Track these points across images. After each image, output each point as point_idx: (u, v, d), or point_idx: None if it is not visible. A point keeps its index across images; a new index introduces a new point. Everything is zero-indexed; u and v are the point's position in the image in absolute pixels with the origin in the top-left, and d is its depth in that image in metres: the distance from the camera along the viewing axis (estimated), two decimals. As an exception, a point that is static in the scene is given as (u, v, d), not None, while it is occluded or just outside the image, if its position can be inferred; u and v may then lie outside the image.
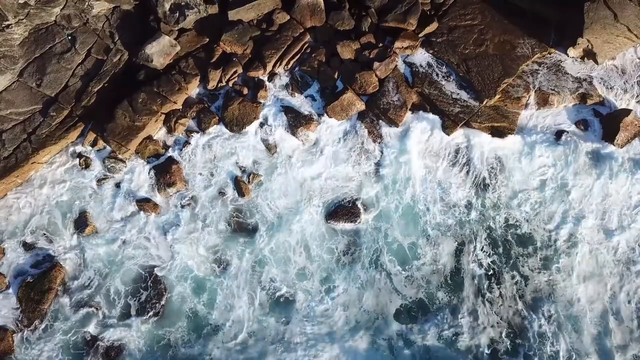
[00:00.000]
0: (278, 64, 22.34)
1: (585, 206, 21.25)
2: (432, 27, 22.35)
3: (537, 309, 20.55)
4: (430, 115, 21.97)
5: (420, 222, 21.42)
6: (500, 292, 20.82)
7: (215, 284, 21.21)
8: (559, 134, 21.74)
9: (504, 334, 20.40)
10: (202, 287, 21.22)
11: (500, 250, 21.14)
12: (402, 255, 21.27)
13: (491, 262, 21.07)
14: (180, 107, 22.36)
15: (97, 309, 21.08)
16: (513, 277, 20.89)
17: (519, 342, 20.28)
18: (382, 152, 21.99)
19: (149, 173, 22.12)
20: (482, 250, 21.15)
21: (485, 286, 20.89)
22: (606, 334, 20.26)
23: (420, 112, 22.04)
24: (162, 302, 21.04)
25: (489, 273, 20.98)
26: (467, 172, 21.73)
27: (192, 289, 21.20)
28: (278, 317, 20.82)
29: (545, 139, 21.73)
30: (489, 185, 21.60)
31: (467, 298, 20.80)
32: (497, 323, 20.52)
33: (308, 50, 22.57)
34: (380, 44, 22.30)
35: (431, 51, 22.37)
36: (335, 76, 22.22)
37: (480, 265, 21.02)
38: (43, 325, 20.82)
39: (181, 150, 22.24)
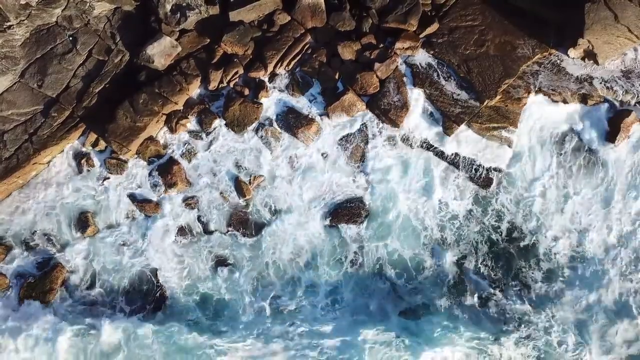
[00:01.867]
0: (279, 64, 22.36)
1: (585, 212, 21.39)
2: (432, 27, 22.34)
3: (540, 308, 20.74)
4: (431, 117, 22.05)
5: (420, 234, 21.52)
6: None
7: (215, 288, 21.30)
8: (559, 135, 21.84)
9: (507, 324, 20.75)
10: (203, 293, 21.35)
11: (502, 257, 21.37)
12: (404, 264, 21.43)
13: (493, 270, 21.25)
14: (181, 107, 22.38)
15: (96, 307, 21.14)
16: (515, 282, 21.12)
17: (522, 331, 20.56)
18: (382, 154, 22.01)
19: (150, 174, 22.15)
20: (482, 262, 21.30)
21: (488, 290, 21.07)
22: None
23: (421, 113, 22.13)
24: (163, 306, 21.11)
25: (493, 283, 21.19)
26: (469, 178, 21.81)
27: (194, 295, 21.28)
28: (282, 321, 20.85)
29: (546, 141, 21.79)
30: (489, 190, 21.65)
31: (470, 298, 21.04)
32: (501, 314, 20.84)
33: (309, 51, 22.57)
34: (381, 45, 22.29)
35: (432, 52, 22.37)
36: (336, 77, 22.23)
37: (483, 275, 21.18)
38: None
39: (182, 150, 22.27)
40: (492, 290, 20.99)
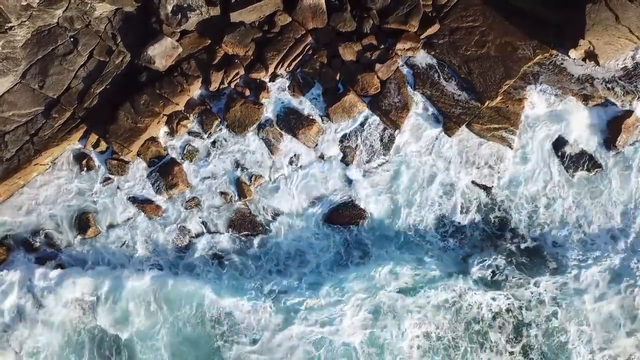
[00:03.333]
0: (280, 65, 22.36)
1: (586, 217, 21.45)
2: (433, 28, 22.33)
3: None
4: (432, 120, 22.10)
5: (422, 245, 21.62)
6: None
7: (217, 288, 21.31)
8: (559, 136, 21.85)
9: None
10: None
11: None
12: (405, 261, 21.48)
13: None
14: (182, 108, 22.39)
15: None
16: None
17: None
18: (382, 157, 22.03)
19: (150, 175, 22.15)
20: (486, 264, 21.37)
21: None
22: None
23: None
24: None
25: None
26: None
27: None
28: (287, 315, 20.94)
29: (546, 142, 21.81)
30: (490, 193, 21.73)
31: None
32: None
33: (310, 52, 22.57)
34: (382, 46, 22.28)
35: (433, 53, 22.38)
36: (337, 77, 22.23)
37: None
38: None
39: (183, 151, 22.28)
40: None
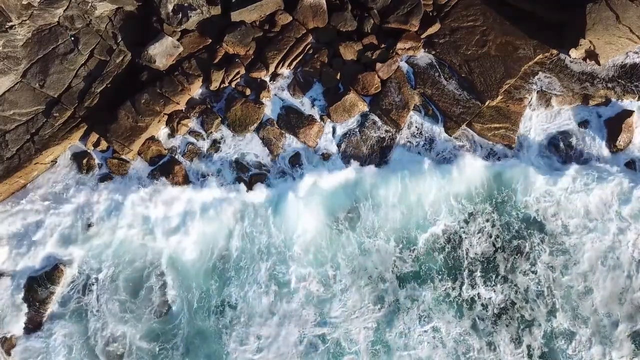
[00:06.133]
0: (280, 65, 22.38)
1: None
2: (434, 28, 22.38)
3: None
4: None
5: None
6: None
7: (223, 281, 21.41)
8: (559, 136, 21.87)
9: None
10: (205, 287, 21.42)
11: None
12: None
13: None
14: (183, 108, 22.41)
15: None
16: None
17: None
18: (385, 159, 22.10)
19: (151, 174, 22.14)
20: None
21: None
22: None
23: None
24: (165, 306, 21.14)
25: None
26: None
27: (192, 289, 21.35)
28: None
29: (546, 142, 21.84)
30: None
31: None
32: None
33: (310, 52, 22.61)
34: (383, 45, 22.33)
35: (433, 52, 22.42)
36: (338, 77, 22.25)
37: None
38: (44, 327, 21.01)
39: (184, 151, 22.28)
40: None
